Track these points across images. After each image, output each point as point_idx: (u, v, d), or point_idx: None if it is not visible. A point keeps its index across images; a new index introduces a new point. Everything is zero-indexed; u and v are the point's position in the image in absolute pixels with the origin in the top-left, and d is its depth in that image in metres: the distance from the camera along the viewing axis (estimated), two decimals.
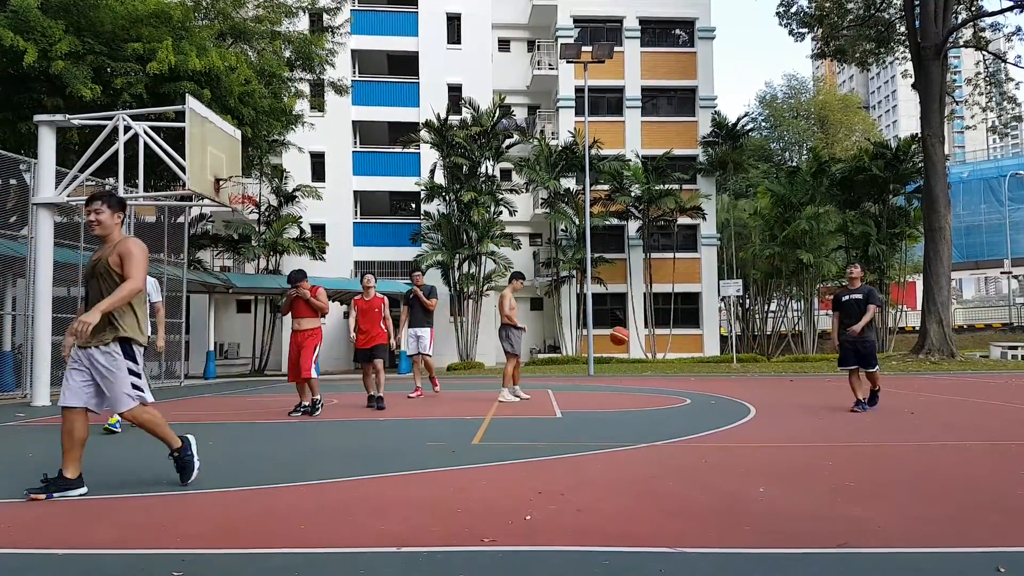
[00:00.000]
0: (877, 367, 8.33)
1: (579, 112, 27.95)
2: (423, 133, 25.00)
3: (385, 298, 9.33)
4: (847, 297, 8.30)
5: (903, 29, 25.45)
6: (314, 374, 8.22)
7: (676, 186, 26.81)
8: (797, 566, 2.70)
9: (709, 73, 29.67)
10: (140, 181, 11.20)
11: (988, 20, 26.35)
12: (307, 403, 8.33)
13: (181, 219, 17.40)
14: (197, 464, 4.32)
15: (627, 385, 13.79)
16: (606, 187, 26.53)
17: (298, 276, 8.32)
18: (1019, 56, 67.23)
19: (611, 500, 3.80)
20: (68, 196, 11.25)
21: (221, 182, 10.94)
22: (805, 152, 44.87)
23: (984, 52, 26.23)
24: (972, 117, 28.74)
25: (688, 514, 3.50)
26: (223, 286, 20.73)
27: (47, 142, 11.13)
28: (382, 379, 9.12)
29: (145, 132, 10.97)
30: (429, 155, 26.31)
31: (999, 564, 2.65)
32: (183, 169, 10.44)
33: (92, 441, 6.34)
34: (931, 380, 14.34)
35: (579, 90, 27.22)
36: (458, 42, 28.72)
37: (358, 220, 28.37)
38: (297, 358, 8.21)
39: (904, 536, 3.08)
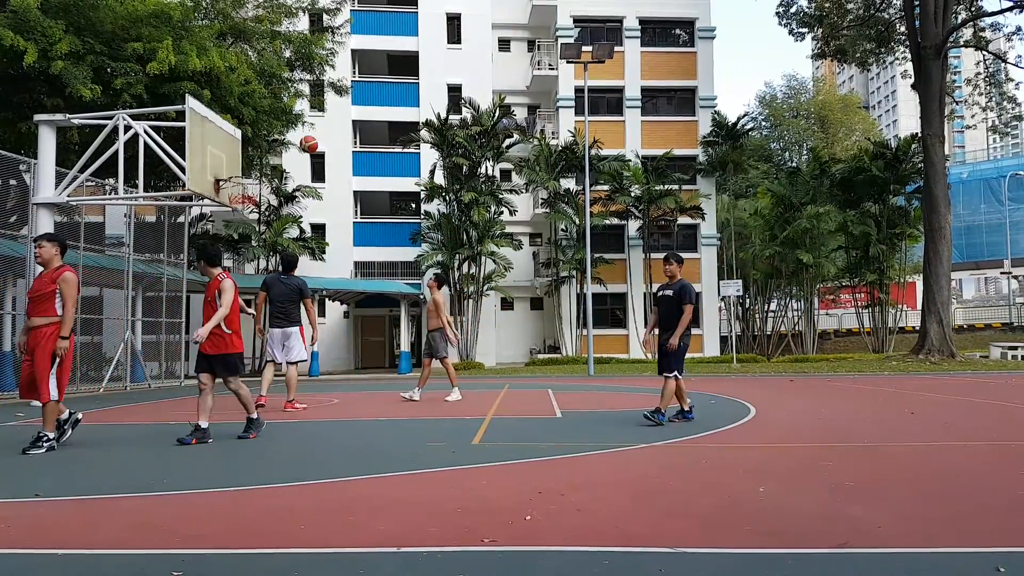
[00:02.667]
0: (669, 375, 7.21)
1: (579, 112, 27.94)
2: (423, 133, 25.01)
3: (228, 278, 6.17)
4: (660, 292, 7.43)
5: (903, 29, 25.45)
6: (53, 396, 5.58)
7: (676, 186, 26.82)
8: (797, 566, 2.70)
9: (709, 73, 29.67)
10: (140, 181, 11.23)
11: (988, 20, 26.38)
12: (50, 432, 5.70)
13: (181, 219, 17.40)
14: None
15: (627, 385, 13.78)
16: (606, 187, 26.54)
17: (44, 236, 5.90)
18: (1019, 56, 67.34)
19: (611, 500, 3.80)
20: (68, 196, 11.26)
21: (221, 182, 10.95)
22: (805, 152, 44.88)
23: (984, 52, 26.22)
24: (972, 117, 28.72)
25: (688, 514, 3.49)
26: None
27: (47, 142, 11.15)
28: (243, 395, 6.42)
29: (145, 132, 10.99)
30: (429, 155, 26.33)
31: (999, 564, 2.64)
32: (183, 169, 10.46)
33: (91, 442, 6.34)
34: (931, 380, 14.32)
35: (579, 90, 27.21)
36: (458, 42, 28.75)
37: (358, 220, 28.41)
38: (31, 372, 5.63)
39: (904, 536, 3.08)
